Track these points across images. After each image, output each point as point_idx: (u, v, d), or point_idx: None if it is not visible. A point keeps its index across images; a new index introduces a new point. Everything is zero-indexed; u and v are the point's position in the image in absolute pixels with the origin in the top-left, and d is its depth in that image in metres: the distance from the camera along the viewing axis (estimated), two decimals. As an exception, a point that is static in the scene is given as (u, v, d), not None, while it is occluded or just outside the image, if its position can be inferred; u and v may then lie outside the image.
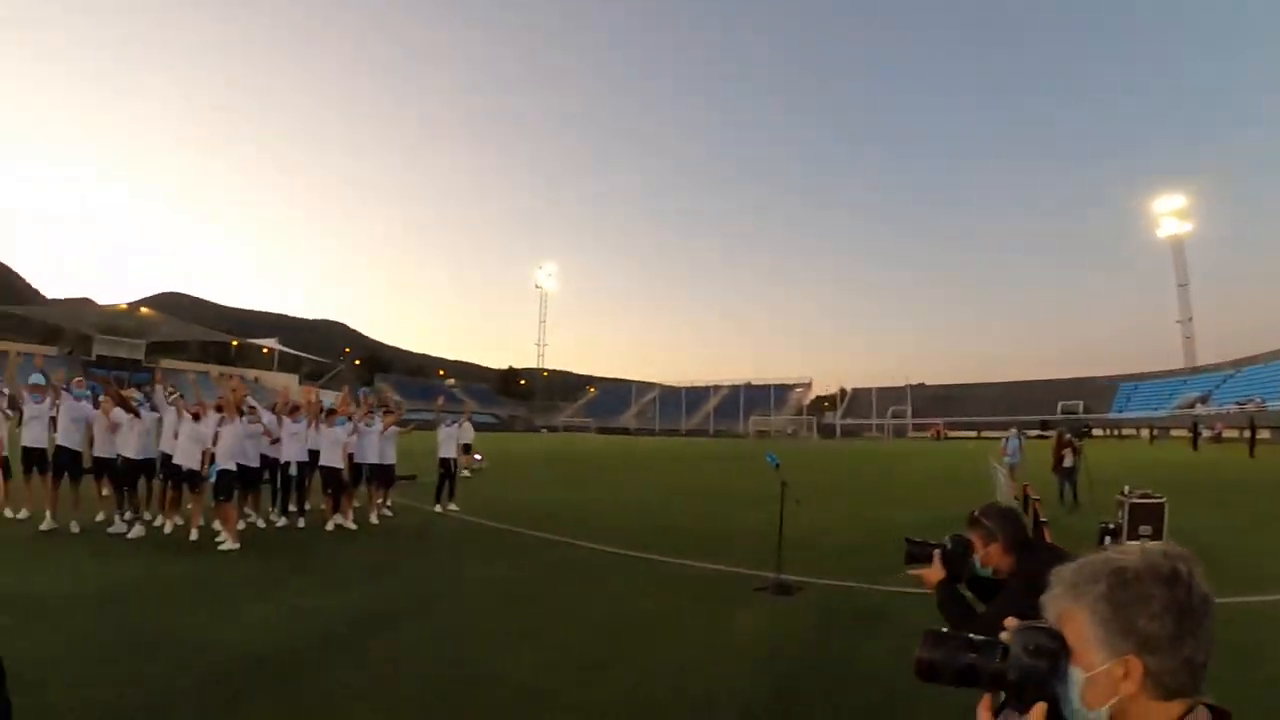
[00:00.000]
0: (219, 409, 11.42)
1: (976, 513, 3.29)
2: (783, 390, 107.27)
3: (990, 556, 3.19)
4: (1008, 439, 20.07)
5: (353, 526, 12.38)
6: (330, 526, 12.16)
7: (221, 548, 10.22)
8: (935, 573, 3.22)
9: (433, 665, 5.90)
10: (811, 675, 5.85)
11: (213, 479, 10.78)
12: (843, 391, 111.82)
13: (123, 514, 11.15)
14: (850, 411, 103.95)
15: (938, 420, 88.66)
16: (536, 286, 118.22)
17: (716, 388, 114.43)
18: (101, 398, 11.71)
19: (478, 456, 23.57)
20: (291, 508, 12.60)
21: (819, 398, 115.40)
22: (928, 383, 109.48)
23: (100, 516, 11.61)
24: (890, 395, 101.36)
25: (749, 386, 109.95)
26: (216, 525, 11.02)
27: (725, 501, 17.84)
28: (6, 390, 11.81)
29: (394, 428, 14.14)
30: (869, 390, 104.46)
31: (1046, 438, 37.96)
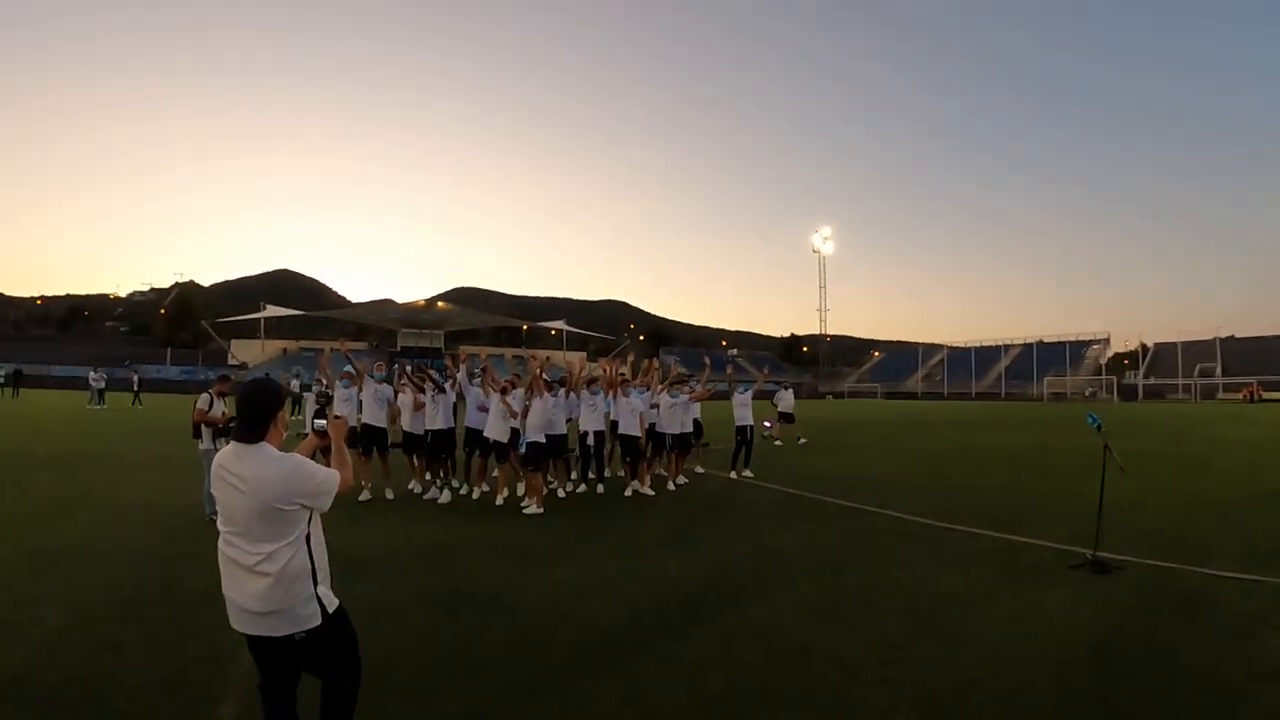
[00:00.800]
0: (510, 385, 12.02)
1: None
2: (1078, 347, 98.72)
3: None
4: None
5: (650, 493, 12.56)
6: (628, 493, 12.44)
7: (526, 512, 10.75)
8: None
9: (734, 633, 5.86)
10: (1134, 666, 5.22)
11: (523, 450, 11.28)
12: (1144, 347, 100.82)
13: (434, 483, 12.06)
14: (1152, 369, 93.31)
15: (1250, 379, 76.85)
16: (814, 251, 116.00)
17: (1007, 346, 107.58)
18: (398, 381, 13.08)
19: (768, 424, 23.16)
20: (591, 475, 13.05)
21: (1117, 355, 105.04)
22: (1238, 335, 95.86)
23: (413, 486, 12.58)
24: (1196, 350, 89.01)
25: (1041, 344, 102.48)
26: (520, 491, 11.59)
27: (1029, 469, 16.95)
28: (324, 380, 12.72)
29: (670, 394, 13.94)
30: (1173, 345, 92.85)
31: None
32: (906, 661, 5.21)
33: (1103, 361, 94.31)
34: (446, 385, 12.40)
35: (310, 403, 12.65)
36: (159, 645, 5.43)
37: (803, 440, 23.26)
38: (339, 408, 12.34)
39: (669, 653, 5.40)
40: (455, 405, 12.51)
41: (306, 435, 3.91)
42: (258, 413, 3.26)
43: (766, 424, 23.02)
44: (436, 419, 12.04)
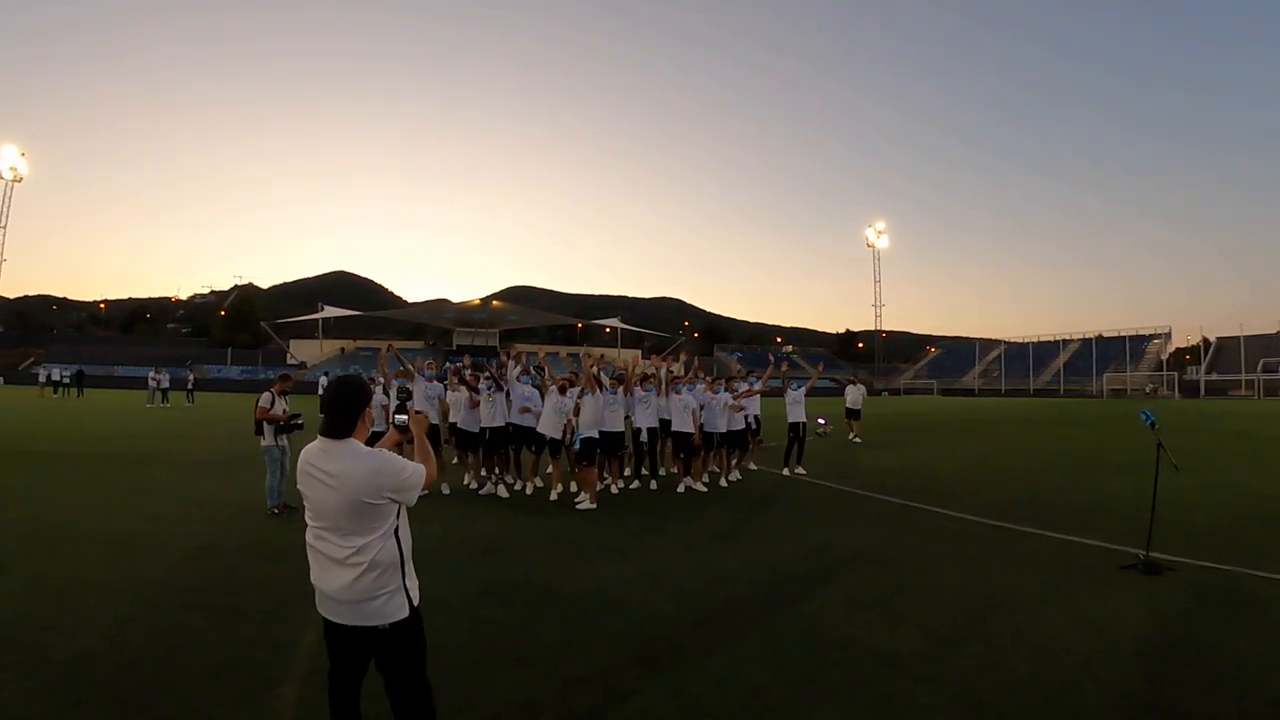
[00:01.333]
0: (567, 383, 12.34)
1: None
2: (1139, 342, 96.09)
3: None
4: None
5: (702, 489, 12.65)
6: (681, 489, 12.55)
7: (580, 507, 10.95)
8: None
9: (780, 627, 5.95)
10: (1181, 668, 5.19)
11: (576, 446, 11.41)
12: (1205, 341, 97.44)
13: (490, 479, 12.32)
14: (1215, 365, 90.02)
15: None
16: (868, 245, 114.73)
17: (1066, 341, 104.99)
18: (448, 379, 13.35)
19: (821, 421, 23.07)
20: (644, 471, 13.22)
21: (1179, 350, 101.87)
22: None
23: (468, 482, 12.88)
24: (1260, 345, 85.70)
25: (1100, 339, 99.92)
26: (574, 487, 11.86)
27: (1085, 467, 16.74)
28: (381, 379, 12.92)
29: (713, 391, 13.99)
30: (1236, 339, 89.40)
31: None
32: (951, 659, 5.25)
33: (1164, 357, 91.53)
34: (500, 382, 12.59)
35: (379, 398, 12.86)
36: (220, 631, 5.68)
37: (858, 439, 23.01)
38: (376, 408, 12.60)
39: (715, 645, 5.50)
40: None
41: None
42: (344, 409, 3.35)
43: (820, 421, 22.95)
44: (494, 416, 12.23)
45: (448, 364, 18.91)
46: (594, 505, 10.94)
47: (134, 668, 4.95)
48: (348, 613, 3.27)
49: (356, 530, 3.23)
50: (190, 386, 44.46)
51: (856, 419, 24.02)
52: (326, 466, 3.26)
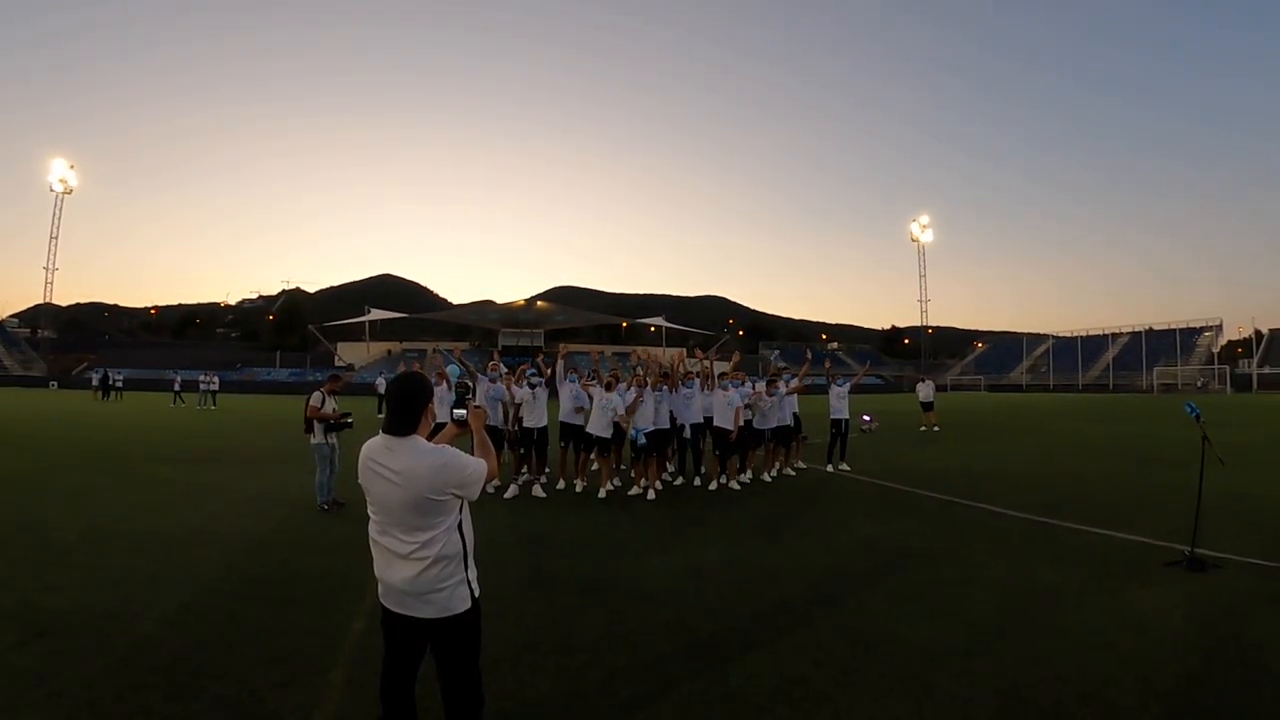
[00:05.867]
0: (614, 380, 12.46)
1: None
2: (1189, 335, 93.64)
3: None
4: None
5: (738, 486, 12.70)
6: (713, 486, 12.62)
7: (649, 498, 11.46)
8: None
9: (821, 620, 6.04)
10: (1222, 666, 5.14)
11: (641, 440, 11.73)
12: (1258, 333, 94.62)
13: (536, 476, 12.52)
14: (1268, 357, 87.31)
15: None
16: (913, 240, 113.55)
17: (1115, 335, 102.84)
18: (506, 380, 13.40)
19: (866, 418, 23.02)
20: (688, 467, 13.44)
21: (1230, 342, 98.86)
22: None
23: (520, 480, 12.79)
24: None
25: (1150, 332, 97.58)
26: (614, 484, 12.19)
27: (1132, 463, 16.57)
28: (441, 378, 13.12)
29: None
30: None
31: None
32: (990, 653, 5.30)
33: (1215, 350, 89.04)
34: (540, 382, 12.72)
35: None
36: (273, 621, 5.92)
37: (936, 428, 25.28)
38: (441, 412, 12.77)
39: (757, 636, 5.62)
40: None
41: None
42: (408, 406, 3.44)
43: (865, 418, 22.92)
44: (539, 416, 12.44)
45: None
46: (653, 496, 11.41)
47: (189, 654, 5.18)
48: (412, 604, 3.38)
49: (421, 525, 3.32)
50: (213, 389, 43.50)
51: (930, 410, 26.40)
52: (390, 463, 3.34)
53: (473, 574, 3.51)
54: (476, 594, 3.50)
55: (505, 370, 13.09)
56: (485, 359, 15.21)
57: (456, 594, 3.40)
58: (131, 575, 7.10)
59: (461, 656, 3.51)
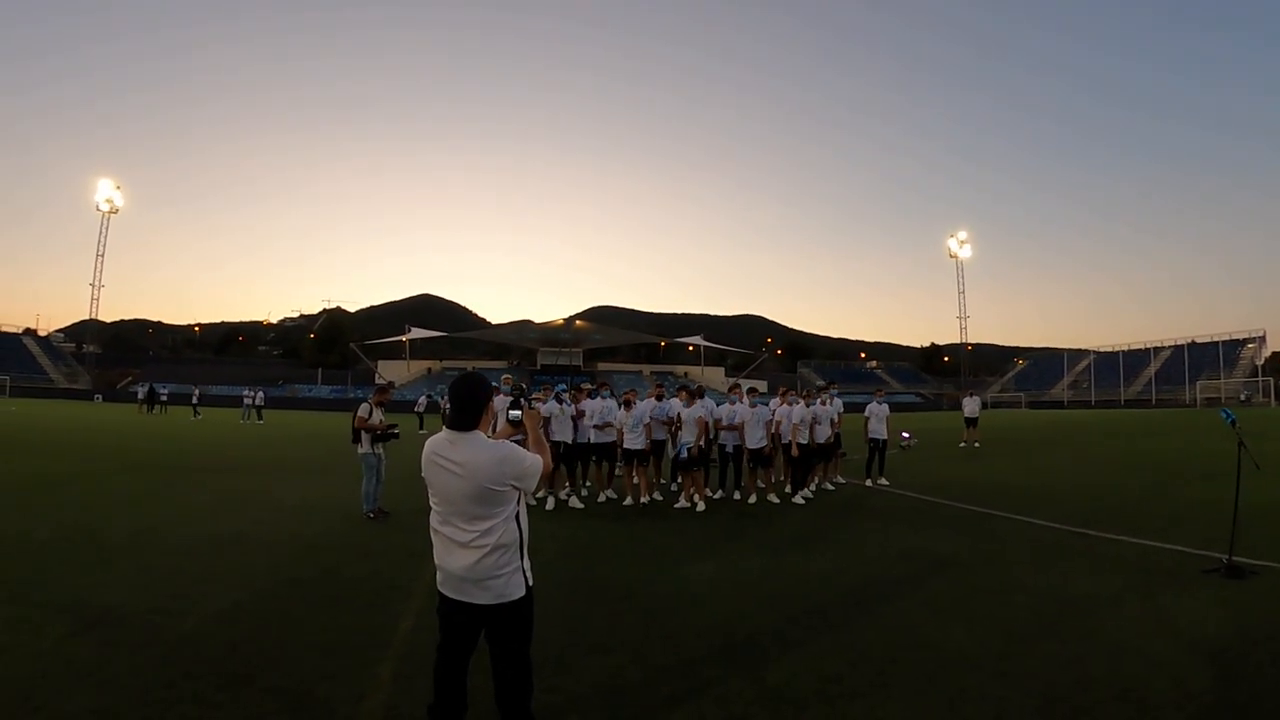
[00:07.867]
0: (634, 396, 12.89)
1: None
2: (1232, 347, 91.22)
3: None
4: None
5: (775, 500, 12.73)
6: (752, 500, 12.68)
7: (678, 506, 11.79)
8: None
9: (859, 625, 6.14)
10: (1258, 671, 5.15)
11: (684, 455, 12.15)
12: None
13: (573, 489, 12.75)
14: None
15: None
16: (951, 256, 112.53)
17: (1157, 349, 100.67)
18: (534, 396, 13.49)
19: (905, 434, 22.90)
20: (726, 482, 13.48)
21: (1275, 354, 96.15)
22: None
23: (561, 494, 12.95)
24: None
25: (1193, 345, 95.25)
26: (655, 496, 12.47)
27: (1170, 475, 16.56)
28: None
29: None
30: None
31: None
32: (1026, 657, 5.35)
33: (1259, 362, 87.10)
34: (567, 398, 12.97)
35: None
36: (321, 618, 6.14)
37: (977, 444, 25.18)
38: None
39: (794, 640, 5.71)
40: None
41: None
42: (470, 403, 3.68)
43: (904, 435, 22.79)
44: (563, 432, 12.51)
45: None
46: (702, 507, 11.60)
47: (239, 646, 5.39)
48: (470, 591, 3.59)
49: (482, 515, 3.55)
50: (259, 403, 43.72)
51: (973, 426, 26.35)
52: (454, 456, 3.57)
53: (528, 563, 3.71)
54: (530, 583, 3.70)
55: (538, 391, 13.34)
56: (529, 380, 15.34)
57: (513, 581, 3.60)
58: (180, 575, 7.35)
59: (515, 642, 3.69)
